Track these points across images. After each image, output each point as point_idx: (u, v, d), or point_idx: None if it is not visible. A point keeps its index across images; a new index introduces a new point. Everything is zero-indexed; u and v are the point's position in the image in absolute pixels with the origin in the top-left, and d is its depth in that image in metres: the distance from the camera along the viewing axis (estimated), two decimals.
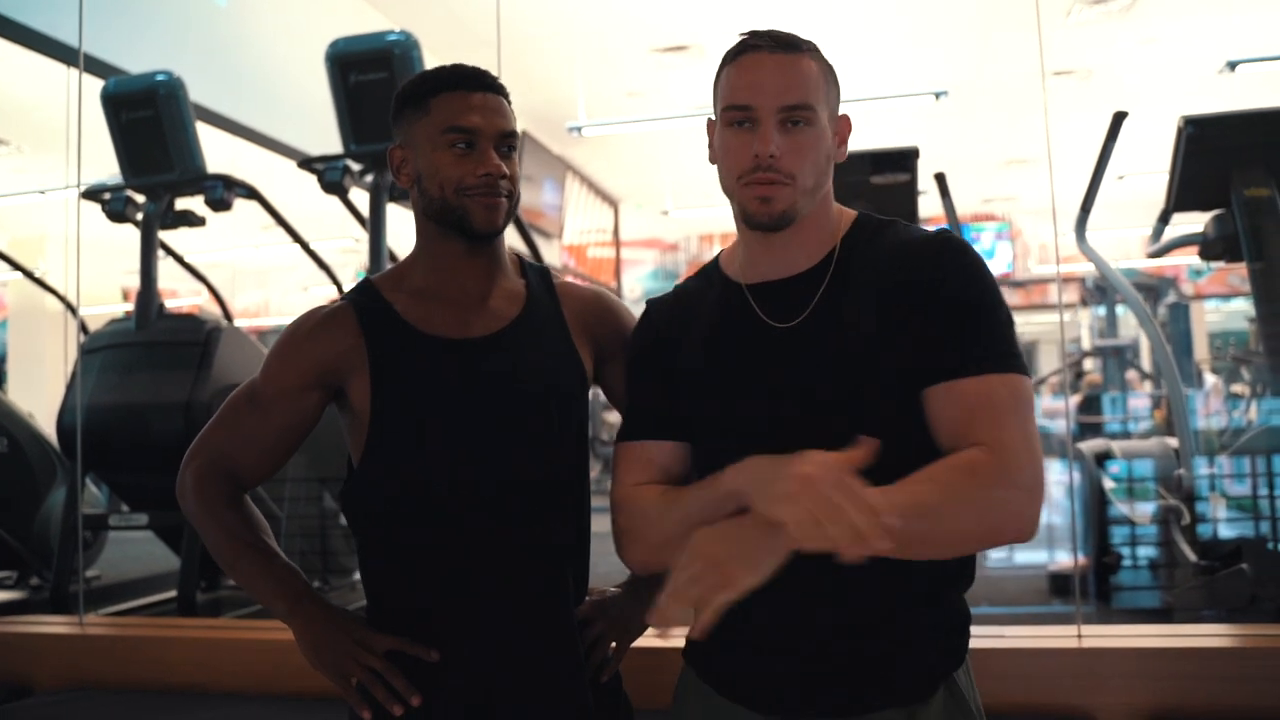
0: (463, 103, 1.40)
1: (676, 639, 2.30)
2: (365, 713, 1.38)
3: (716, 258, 1.41)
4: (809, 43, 1.26)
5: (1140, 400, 9.28)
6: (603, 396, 1.66)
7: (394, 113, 1.46)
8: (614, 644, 1.50)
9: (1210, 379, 9.63)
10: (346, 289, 1.63)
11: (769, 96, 1.21)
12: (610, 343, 1.54)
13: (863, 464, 1.02)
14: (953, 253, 1.23)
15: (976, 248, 1.27)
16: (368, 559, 1.47)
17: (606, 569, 1.61)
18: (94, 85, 4.01)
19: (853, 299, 1.24)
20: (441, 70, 1.43)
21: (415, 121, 1.42)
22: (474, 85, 1.41)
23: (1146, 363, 9.90)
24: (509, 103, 1.45)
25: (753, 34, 1.25)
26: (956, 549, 1.16)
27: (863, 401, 1.20)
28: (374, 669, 1.37)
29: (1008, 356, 1.18)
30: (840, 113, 1.30)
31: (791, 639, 1.23)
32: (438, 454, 1.40)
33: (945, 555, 1.17)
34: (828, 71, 1.26)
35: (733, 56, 1.26)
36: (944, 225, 1.23)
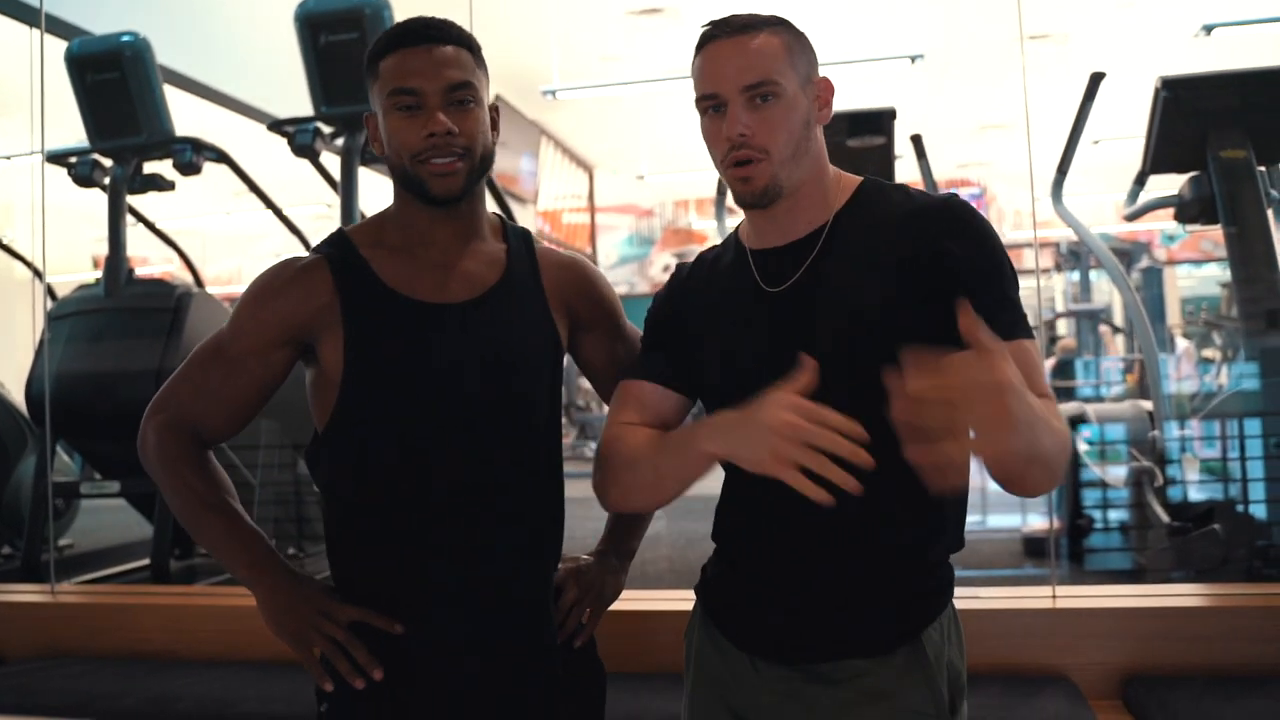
0: (403, 62, 1.33)
1: (654, 601, 2.31)
2: (326, 684, 1.36)
3: (739, 226, 1.44)
4: (771, 18, 1.29)
5: (1113, 364, 9.38)
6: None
7: (365, 78, 1.41)
8: (588, 611, 1.49)
9: (1182, 343, 9.73)
10: None
11: (730, 80, 1.25)
12: (586, 312, 1.52)
13: (809, 386, 1.08)
14: (964, 218, 1.24)
15: None
16: (334, 523, 1.42)
17: (583, 534, 1.61)
18: (57, 46, 3.93)
19: (847, 263, 1.26)
20: (394, 27, 1.38)
21: (371, 86, 1.38)
22: (415, 40, 1.35)
23: (1119, 319, 9.97)
24: (470, 49, 1.39)
25: (712, 23, 1.29)
26: (1035, 470, 1.10)
27: (851, 366, 1.20)
28: (336, 640, 1.34)
29: (1024, 322, 1.22)
30: (818, 76, 1.32)
31: (768, 586, 1.30)
32: (409, 420, 1.36)
33: (1028, 473, 1.11)
34: (794, 41, 1.28)
35: (698, 49, 1.30)
36: (953, 190, 1.24)
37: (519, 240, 1.50)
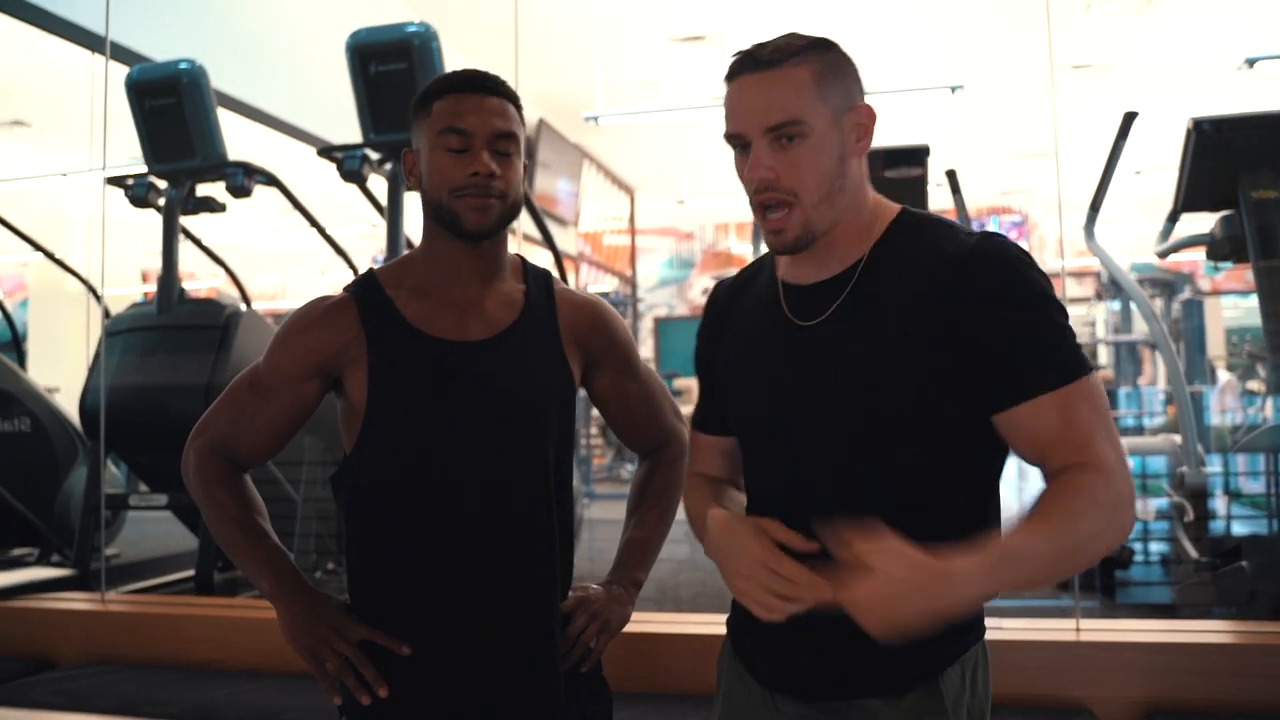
0: (459, 104, 1.43)
1: (675, 624, 2.35)
2: (335, 699, 1.45)
3: None
4: (804, 44, 1.21)
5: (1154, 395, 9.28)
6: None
7: (410, 116, 1.50)
8: (595, 638, 1.54)
9: (1224, 376, 9.60)
10: (362, 273, 1.67)
11: (753, 120, 1.20)
12: (600, 351, 1.59)
13: (801, 548, 1.13)
14: (1006, 263, 1.17)
15: None
16: (352, 544, 1.51)
17: (607, 558, 1.67)
18: (117, 71, 4.07)
19: (881, 301, 1.21)
20: (451, 74, 1.48)
21: (420, 124, 1.47)
22: (472, 88, 1.45)
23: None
24: (516, 106, 1.48)
25: (737, 56, 1.23)
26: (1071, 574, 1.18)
27: (876, 406, 1.20)
28: (346, 657, 1.42)
29: (1074, 363, 1.15)
30: (860, 102, 1.24)
31: (784, 622, 1.26)
32: (428, 452, 1.44)
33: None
34: (827, 69, 1.21)
35: (726, 81, 1.24)
36: (987, 227, 1.18)
37: (538, 281, 1.57)
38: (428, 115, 1.45)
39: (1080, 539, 1.10)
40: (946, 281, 1.17)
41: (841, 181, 1.22)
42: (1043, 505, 1.11)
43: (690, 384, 13.80)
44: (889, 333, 1.19)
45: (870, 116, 1.24)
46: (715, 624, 2.45)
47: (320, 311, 1.49)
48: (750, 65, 1.21)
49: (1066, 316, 1.17)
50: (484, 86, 1.45)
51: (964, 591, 1.04)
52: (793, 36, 1.22)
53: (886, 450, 1.20)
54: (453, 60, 3.16)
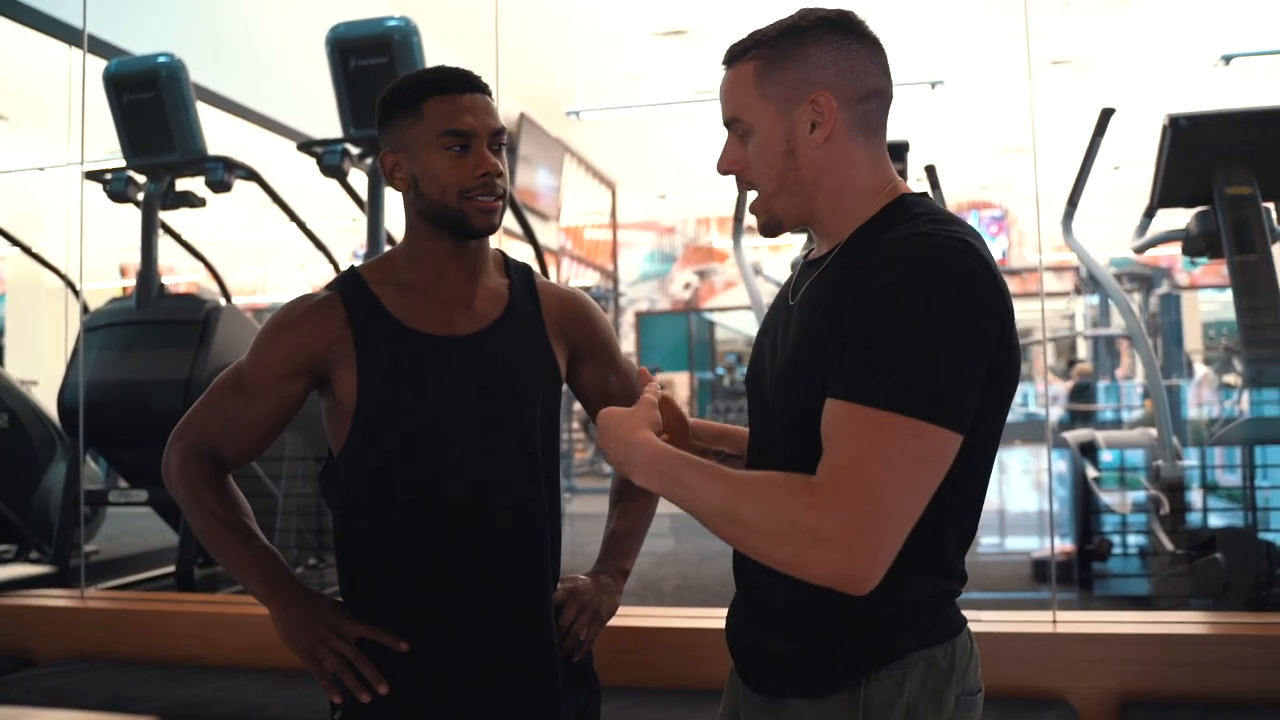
0: (456, 105, 1.43)
1: (658, 618, 2.36)
2: (334, 697, 1.44)
3: None
4: (758, 38, 1.21)
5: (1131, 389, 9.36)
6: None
7: (381, 117, 1.48)
8: (586, 629, 1.54)
9: (1201, 369, 9.69)
10: (343, 268, 1.66)
11: (721, 114, 1.25)
12: (583, 344, 1.60)
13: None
14: (894, 264, 1.07)
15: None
16: (344, 542, 1.51)
17: (596, 549, 1.68)
18: (95, 65, 4.04)
19: (820, 288, 1.17)
20: (430, 72, 1.47)
21: (408, 126, 1.45)
22: (464, 87, 1.45)
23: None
24: (493, 100, 1.49)
25: None
26: (764, 561, 1.07)
27: (790, 392, 1.18)
28: (344, 655, 1.42)
29: (892, 392, 1.02)
30: (817, 91, 1.17)
31: (735, 611, 1.32)
32: (419, 447, 1.45)
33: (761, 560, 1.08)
34: (770, 65, 1.18)
35: None
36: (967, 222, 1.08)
37: (520, 275, 1.58)
38: (418, 117, 1.44)
39: (740, 515, 1.05)
40: (860, 267, 1.11)
41: (796, 174, 1.19)
42: (744, 470, 1.17)
43: (672, 378, 13.82)
44: (815, 315, 1.15)
45: (827, 106, 1.17)
46: (697, 617, 2.46)
47: (305, 309, 1.49)
48: (724, 60, 1.25)
49: (934, 357, 1.03)
50: (475, 85, 1.46)
51: (635, 451, 1.15)
52: (753, 34, 1.23)
53: (789, 433, 1.17)
54: (433, 55, 3.15)
